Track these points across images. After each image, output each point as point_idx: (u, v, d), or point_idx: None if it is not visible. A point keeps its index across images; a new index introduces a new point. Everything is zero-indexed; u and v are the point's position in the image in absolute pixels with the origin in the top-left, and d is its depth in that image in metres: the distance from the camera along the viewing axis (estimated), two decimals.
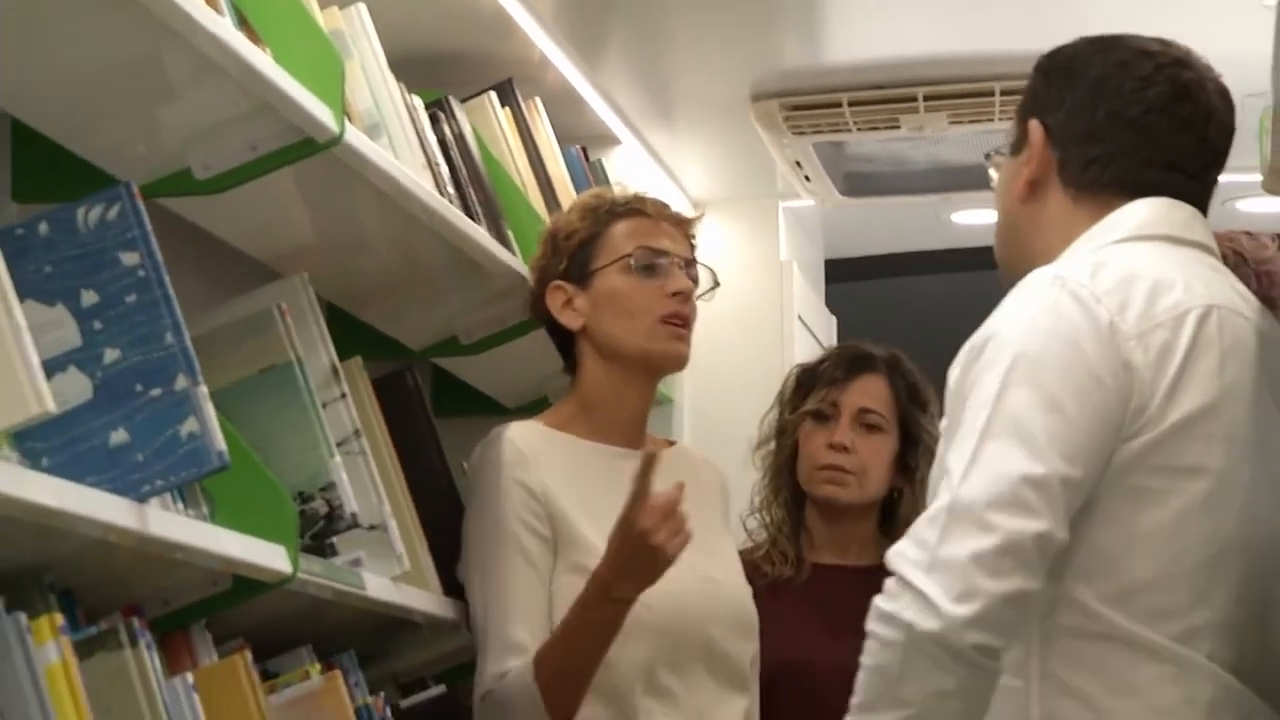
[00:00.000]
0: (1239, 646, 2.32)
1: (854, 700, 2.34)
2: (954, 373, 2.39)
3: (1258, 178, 2.88)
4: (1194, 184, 2.51)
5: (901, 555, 2.30)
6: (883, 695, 2.30)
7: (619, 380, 3.35)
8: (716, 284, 3.44)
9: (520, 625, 3.17)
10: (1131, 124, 2.48)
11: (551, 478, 3.25)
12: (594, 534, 3.21)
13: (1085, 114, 2.50)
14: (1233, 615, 2.32)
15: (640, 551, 3.05)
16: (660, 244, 3.34)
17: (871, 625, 2.31)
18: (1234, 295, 2.42)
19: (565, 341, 3.41)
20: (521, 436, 3.29)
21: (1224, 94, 2.53)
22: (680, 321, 3.31)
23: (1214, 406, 2.33)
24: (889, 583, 2.30)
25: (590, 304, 3.34)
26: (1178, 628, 2.30)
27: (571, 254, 3.36)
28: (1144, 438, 2.31)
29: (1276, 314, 3.38)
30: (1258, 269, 3.48)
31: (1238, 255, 3.47)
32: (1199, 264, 2.44)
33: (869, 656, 2.32)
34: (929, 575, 2.26)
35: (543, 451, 3.28)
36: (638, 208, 3.38)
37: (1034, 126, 2.53)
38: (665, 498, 3.04)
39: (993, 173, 2.66)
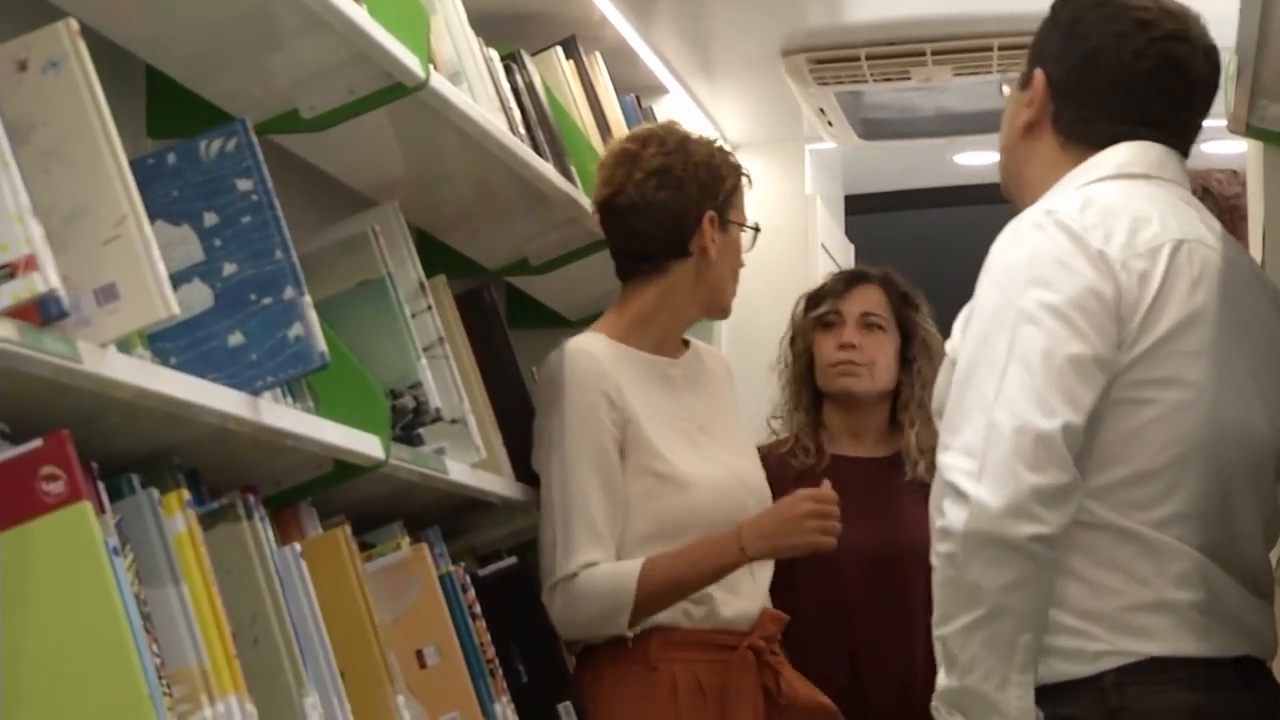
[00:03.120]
0: (1205, 531, 2.30)
1: (934, 619, 2.30)
2: (977, 298, 2.36)
3: (1221, 122, 2.84)
4: (1175, 139, 2.46)
5: (954, 468, 2.27)
6: (957, 601, 2.27)
7: (695, 306, 3.35)
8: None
9: (601, 520, 3.15)
10: (1121, 88, 2.43)
11: (626, 387, 3.22)
12: (660, 439, 3.21)
13: (1081, 75, 2.45)
14: (1198, 505, 2.30)
15: (793, 525, 3.13)
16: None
17: (936, 546, 2.29)
18: (1203, 228, 2.39)
19: (660, 253, 3.30)
20: (599, 350, 3.24)
21: (1211, 57, 2.46)
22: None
23: (1186, 326, 2.31)
24: (945, 502, 2.27)
25: (723, 245, 3.31)
26: (1152, 516, 2.29)
27: (725, 196, 3.32)
28: (1130, 354, 2.29)
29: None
30: (1223, 203, 3.45)
31: (1205, 190, 3.44)
32: (1173, 199, 2.41)
33: (938, 574, 2.29)
34: (979, 481, 2.23)
35: (616, 363, 3.25)
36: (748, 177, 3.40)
37: (1038, 75, 2.48)
38: (833, 496, 3.14)
39: (1005, 89, 2.63)
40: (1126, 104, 2.43)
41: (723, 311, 3.40)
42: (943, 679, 2.29)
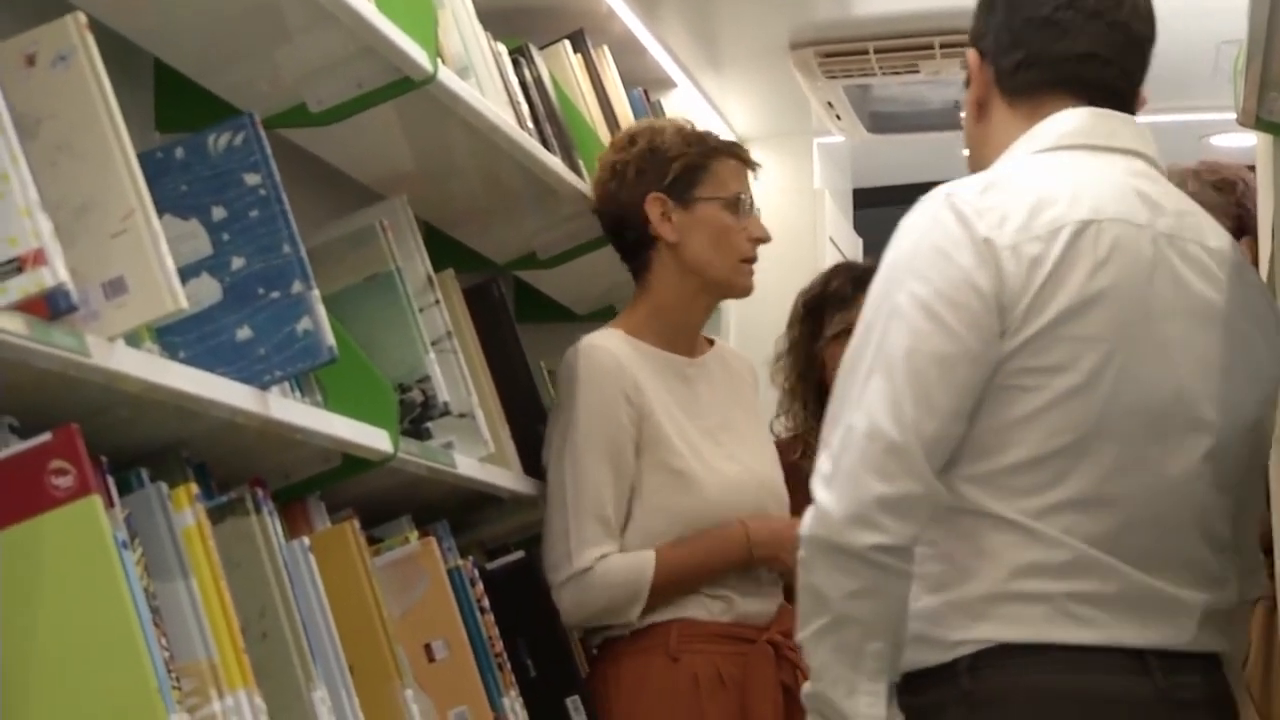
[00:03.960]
0: (1104, 520, 2.24)
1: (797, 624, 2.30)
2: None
3: (1231, 116, 2.84)
4: (1110, 68, 2.40)
5: (816, 471, 2.26)
6: (807, 607, 2.26)
7: (691, 293, 3.33)
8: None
9: (614, 514, 3.17)
10: (1045, 22, 2.39)
11: (643, 383, 3.23)
12: (676, 437, 3.22)
13: (1006, 27, 2.42)
14: (1096, 494, 2.23)
15: (794, 545, 3.14)
16: (750, 192, 3.35)
17: (798, 553, 2.27)
18: (1133, 205, 2.31)
19: (635, 248, 3.35)
20: (616, 346, 3.25)
21: (1138, 8, 2.42)
22: (753, 260, 3.33)
23: (1080, 310, 2.23)
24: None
25: (688, 224, 3.30)
26: (1034, 505, 2.23)
27: (676, 174, 3.30)
28: (1013, 341, 2.23)
29: (1249, 235, 3.35)
30: (1240, 198, 3.43)
31: (1230, 183, 3.42)
32: (1112, 173, 2.34)
33: (799, 581, 2.27)
34: (829, 487, 2.22)
35: (633, 359, 3.25)
36: (738, 153, 3.36)
37: (971, 54, 2.46)
38: None
39: (963, 115, 2.60)
40: (1053, 33, 2.38)
41: (728, 287, 3.33)
42: (806, 682, 2.29)
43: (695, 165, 3.31)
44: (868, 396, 2.23)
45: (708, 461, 3.22)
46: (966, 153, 2.54)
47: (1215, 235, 2.40)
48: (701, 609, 3.18)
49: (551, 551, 3.18)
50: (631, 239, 3.34)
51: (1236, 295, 2.35)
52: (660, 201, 3.30)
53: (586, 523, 3.15)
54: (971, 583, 2.25)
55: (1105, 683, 2.23)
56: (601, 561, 3.14)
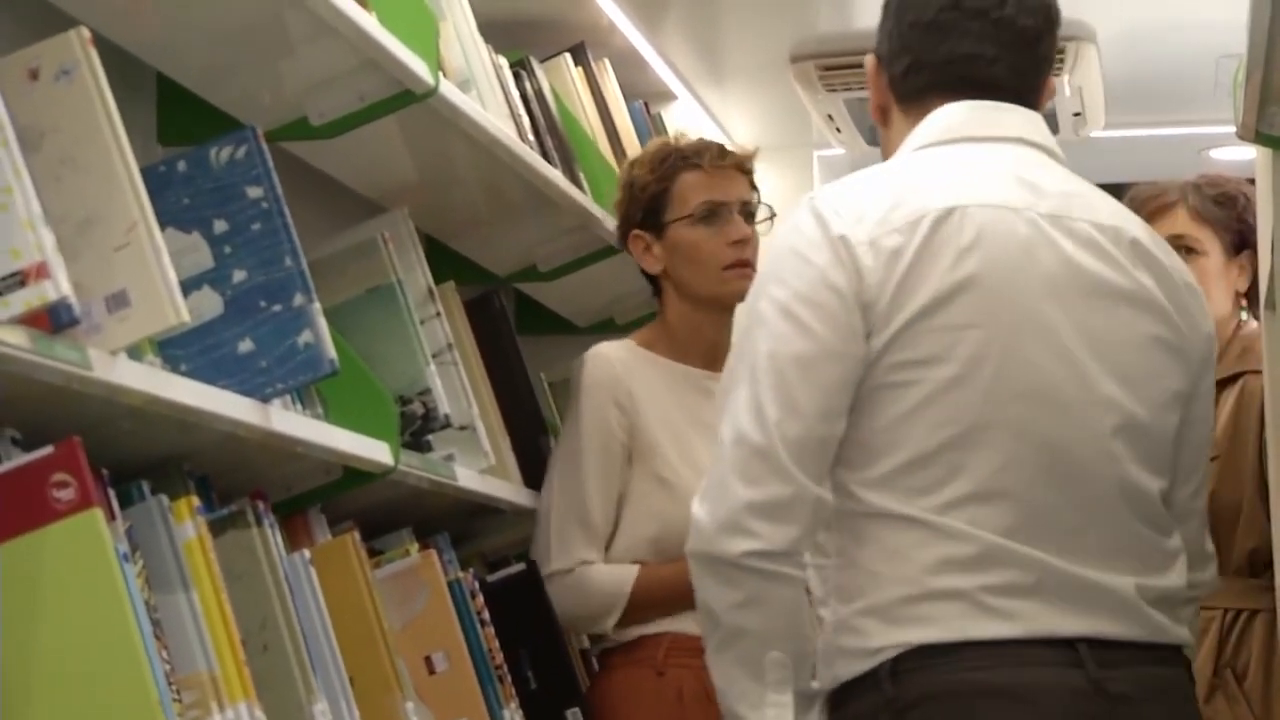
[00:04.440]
0: (1011, 510, 2.18)
1: None
2: None
3: (1230, 129, 2.84)
4: (997, 67, 2.36)
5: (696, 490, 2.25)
6: (705, 624, 2.24)
7: (695, 314, 3.34)
8: (773, 214, 3.40)
9: (598, 521, 3.21)
10: (929, 26, 2.36)
11: (638, 392, 3.25)
12: (669, 447, 3.23)
13: (895, 33, 2.40)
14: (997, 484, 2.18)
15: None
16: (720, 195, 3.31)
17: None
18: (1008, 190, 2.26)
19: (649, 278, 3.39)
20: (615, 355, 3.29)
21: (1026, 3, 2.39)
22: (743, 264, 3.30)
23: (947, 299, 2.19)
24: None
25: (666, 252, 3.32)
26: (935, 501, 2.19)
27: (646, 206, 3.33)
28: (879, 338, 2.20)
29: (1249, 249, 3.35)
30: (1241, 213, 3.44)
31: (1231, 197, 3.43)
32: (989, 160, 2.31)
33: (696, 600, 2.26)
34: (701, 500, 2.21)
35: (633, 368, 3.28)
36: (697, 162, 3.33)
37: (869, 60, 2.45)
38: None
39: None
40: (937, 37, 2.36)
41: (718, 299, 3.31)
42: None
43: (659, 192, 3.32)
44: (733, 404, 2.22)
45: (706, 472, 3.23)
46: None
47: (1110, 214, 2.34)
48: (693, 623, 3.18)
49: (534, 547, 3.24)
50: (645, 274, 3.38)
51: (1131, 270, 2.30)
52: (639, 239, 3.33)
53: (568, 524, 3.20)
54: (884, 588, 2.20)
55: (1033, 675, 2.17)
56: (583, 567, 3.19)
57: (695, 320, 3.34)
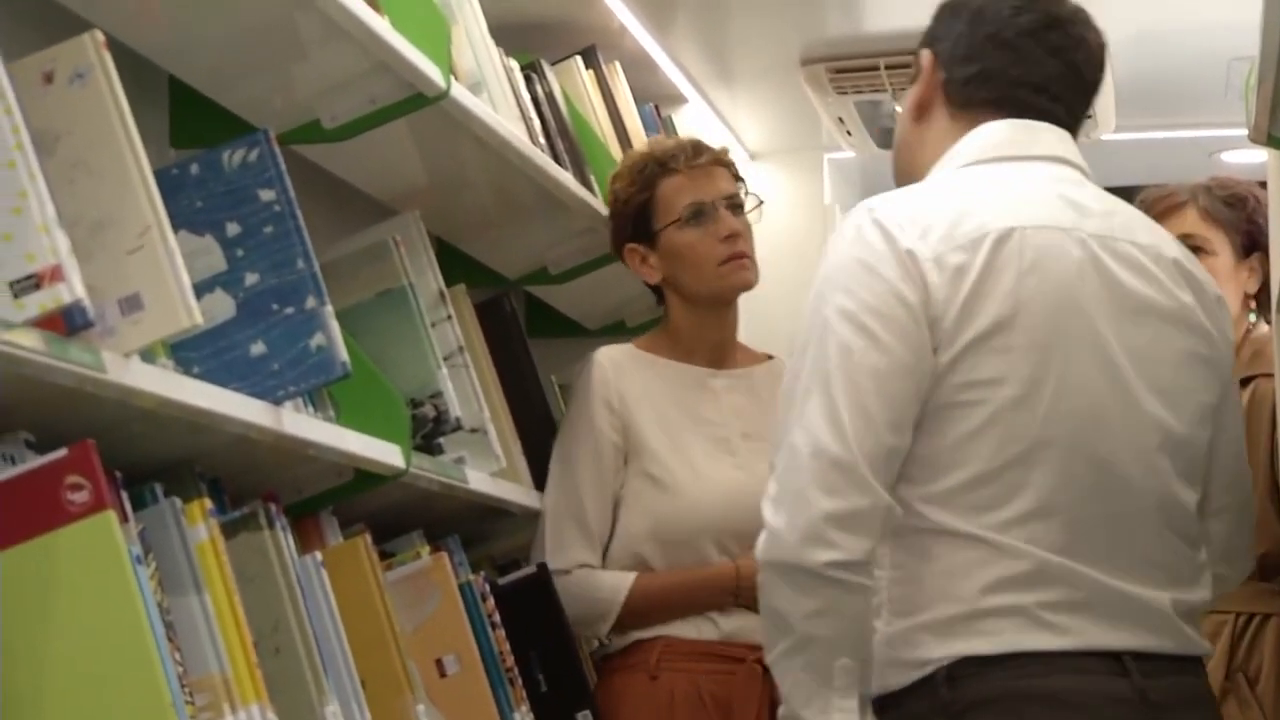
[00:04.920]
0: (1065, 528, 2.23)
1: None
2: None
3: (1241, 132, 2.84)
4: (1058, 106, 2.42)
5: (765, 494, 2.26)
6: (771, 630, 2.26)
7: (699, 316, 3.36)
8: (761, 202, 3.42)
9: (593, 521, 3.23)
10: (1005, 44, 2.41)
11: (629, 392, 3.27)
12: (661, 444, 3.24)
13: (966, 38, 2.43)
14: (1053, 502, 2.23)
15: None
16: (704, 194, 3.32)
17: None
18: (1057, 210, 2.31)
19: (653, 287, 3.41)
20: (608, 358, 3.31)
21: (1097, 32, 2.45)
22: (738, 256, 3.30)
23: (1009, 320, 2.24)
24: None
25: (661, 259, 3.34)
26: (995, 519, 2.23)
27: (634, 218, 3.36)
28: (945, 354, 2.23)
29: (1260, 251, 3.35)
30: (1251, 214, 3.44)
31: (1242, 199, 3.43)
32: (1035, 179, 2.35)
33: (760, 606, 2.28)
34: (778, 509, 2.22)
35: (626, 370, 3.29)
36: (674, 166, 3.34)
37: (925, 54, 2.47)
38: None
39: (897, 107, 2.59)
40: (1010, 58, 2.40)
41: (719, 295, 3.32)
42: (780, 708, 2.29)
43: (643, 202, 3.35)
44: (807, 414, 2.23)
45: (700, 469, 3.24)
46: (892, 158, 2.54)
47: (1146, 232, 2.40)
48: (689, 627, 3.20)
49: (533, 550, 3.26)
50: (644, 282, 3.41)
51: (1170, 288, 2.35)
52: (634, 251, 3.37)
53: (564, 525, 3.23)
54: (942, 604, 2.24)
55: (1082, 683, 2.22)
56: (580, 570, 3.21)
57: (699, 321, 3.35)
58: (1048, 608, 2.22)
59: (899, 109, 2.56)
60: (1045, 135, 2.40)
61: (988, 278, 2.24)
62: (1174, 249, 2.41)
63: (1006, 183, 2.35)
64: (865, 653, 2.25)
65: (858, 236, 2.29)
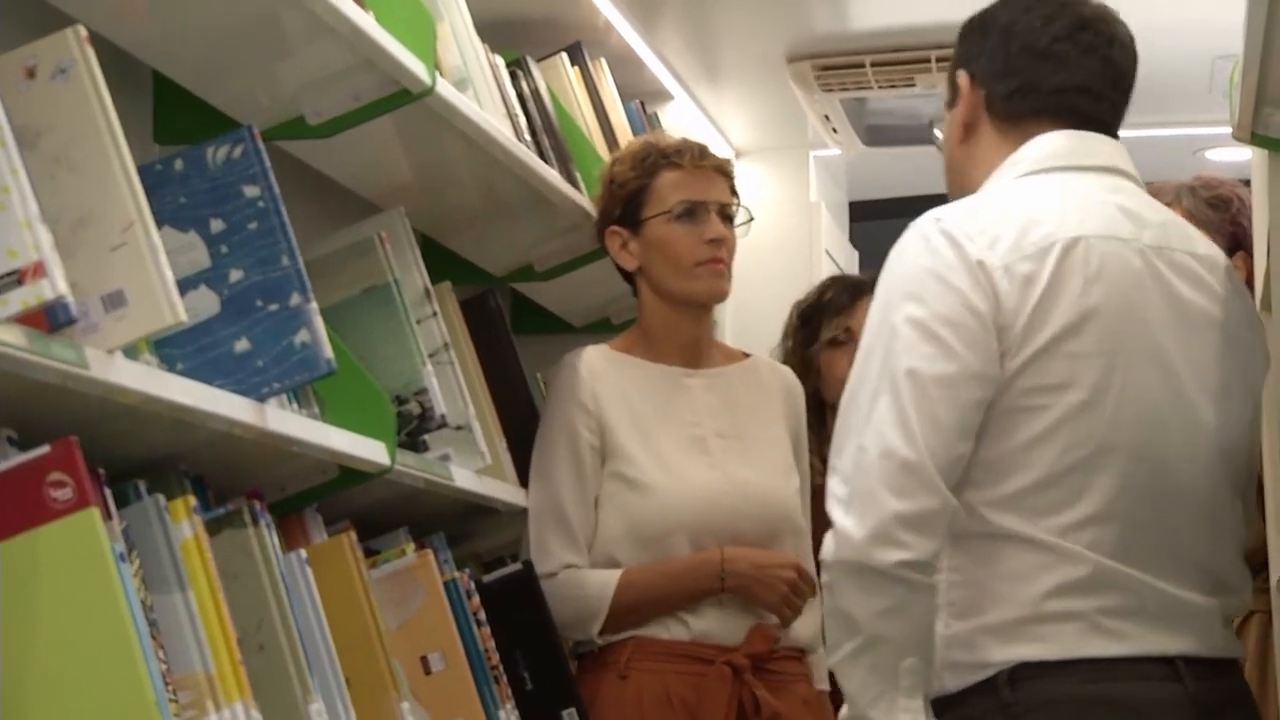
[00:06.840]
0: (1123, 533, 2.28)
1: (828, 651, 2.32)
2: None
3: (1226, 130, 2.85)
4: (1102, 104, 2.45)
5: (830, 495, 2.27)
6: (837, 631, 2.28)
7: (670, 312, 3.34)
8: (751, 218, 3.42)
9: (576, 522, 3.21)
10: (1041, 54, 2.44)
11: (603, 393, 3.26)
12: (635, 445, 3.24)
13: (1001, 54, 2.46)
14: (1112, 507, 2.27)
15: (771, 581, 3.19)
16: (699, 195, 3.32)
17: (820, 576, 2.30)
18: (1117, 221, 2.35)
19: (625, 276, 3.40)
20: (583, 359, 3.31)
21: (1124, 26, 2.48)
22: (717, 262, 3.30)
23: (1076, 327, 2.28)
24: (827, 532, 2.27)
25: (642, 248, 3.33)
26: (1058, 523, 2.27)
27: (624, 202, 3.34)
28: (1013, 361, 2.27)
29: (1243, 251, 3.36)
30: (1234, 215, 3.44)
31: (1225, 200, 3.44)
32: (1093, 189, 2.39)
33: (825, 607, 2.30)
34: (847, 510, 2.24)
35: (603, 372, 3.29)
36: (678, 161, 3.34)
37: (961, 75, 2.49)
38: (814, 586, 3.19)
39: (937, 132, 2.62)
40: (1049, 65, 2.43)
41: (690, 296, 3.31)
42: (843, 709, 2.30)
43: (639, 189, 3.33)
44: (876, 417, 2.26)
45: (674, 469, 3.23)
46: (945, 166, 2.57)
47: (1202, 243, 2.45)
48: (661, 628, 3.19)
49: (521, 552, 3.25)
50: (622, 272, 3.40)
51: (1224, 298, 2.40)
52: (616, 234, 3.35)
53: (546, 529, 3.22)
54: (1002, 608, 2.28)
55: (1141, 689, 2.26)
56: (567, 571, 3.19)
57: (670, 318, 3.34)
58: (1106, 613, 2.27)
59: (938, 133, 2.59)
60: (1102, 146, 2.44)
61: (1055, 286, 2.28)
62: (1225, 257, 2.46)
63: (1066, 192, 2.38)
64: (930, 653, 2.27)
65: (927, 247, 2.31)
